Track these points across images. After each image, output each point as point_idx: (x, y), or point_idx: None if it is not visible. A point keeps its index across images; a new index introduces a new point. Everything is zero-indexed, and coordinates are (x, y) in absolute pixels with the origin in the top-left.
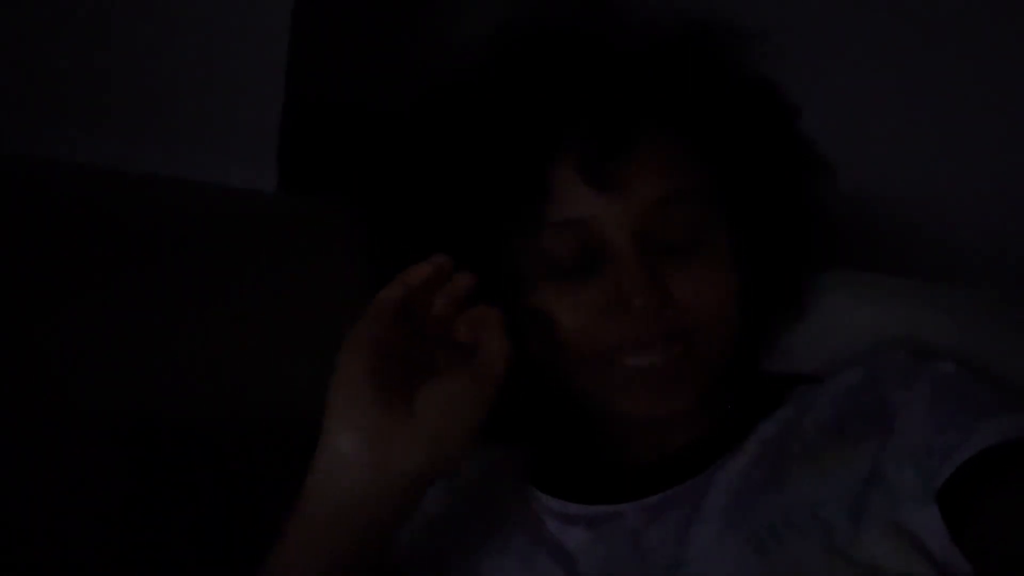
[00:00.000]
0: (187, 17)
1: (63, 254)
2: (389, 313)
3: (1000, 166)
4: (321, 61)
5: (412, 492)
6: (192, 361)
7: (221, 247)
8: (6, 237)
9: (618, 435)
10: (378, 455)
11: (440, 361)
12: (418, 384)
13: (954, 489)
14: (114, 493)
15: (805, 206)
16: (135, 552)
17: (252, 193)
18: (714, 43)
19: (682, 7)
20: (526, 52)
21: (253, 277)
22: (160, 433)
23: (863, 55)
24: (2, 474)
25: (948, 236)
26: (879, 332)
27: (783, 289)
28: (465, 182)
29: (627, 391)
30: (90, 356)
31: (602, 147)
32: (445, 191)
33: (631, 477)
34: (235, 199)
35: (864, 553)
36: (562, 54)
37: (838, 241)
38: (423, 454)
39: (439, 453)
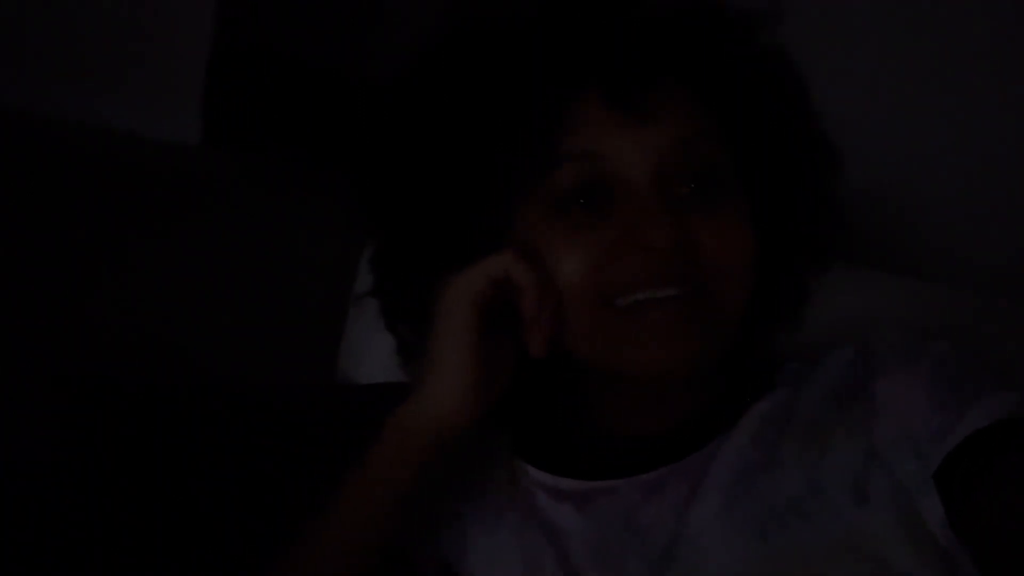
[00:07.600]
0: None
1: None
2: (499, 277)
3: (1002, 166)
4: (252, 5)
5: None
6: (109, 320)
7: (140, 201)
8: None
9: (613, 404)
10: (477, 396)
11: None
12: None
13: (950, 472)
14: (52, 449)
15: (818, 182)
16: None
17: (174, 145)
18: (734, 13)
19: None
20: None
21: (174, 233)
22: (88, 392)
23: (866, 48)
24: None
25: (945, 235)
26: (872, 329)
27: (792, 269)
28: (488, 113)
29: (633, 339)
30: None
31: (632, 78)
32: (466, 121)
33: (625, 453)
34: (156, 151)
35: (870, 541)
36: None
37: (848, 239)
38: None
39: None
